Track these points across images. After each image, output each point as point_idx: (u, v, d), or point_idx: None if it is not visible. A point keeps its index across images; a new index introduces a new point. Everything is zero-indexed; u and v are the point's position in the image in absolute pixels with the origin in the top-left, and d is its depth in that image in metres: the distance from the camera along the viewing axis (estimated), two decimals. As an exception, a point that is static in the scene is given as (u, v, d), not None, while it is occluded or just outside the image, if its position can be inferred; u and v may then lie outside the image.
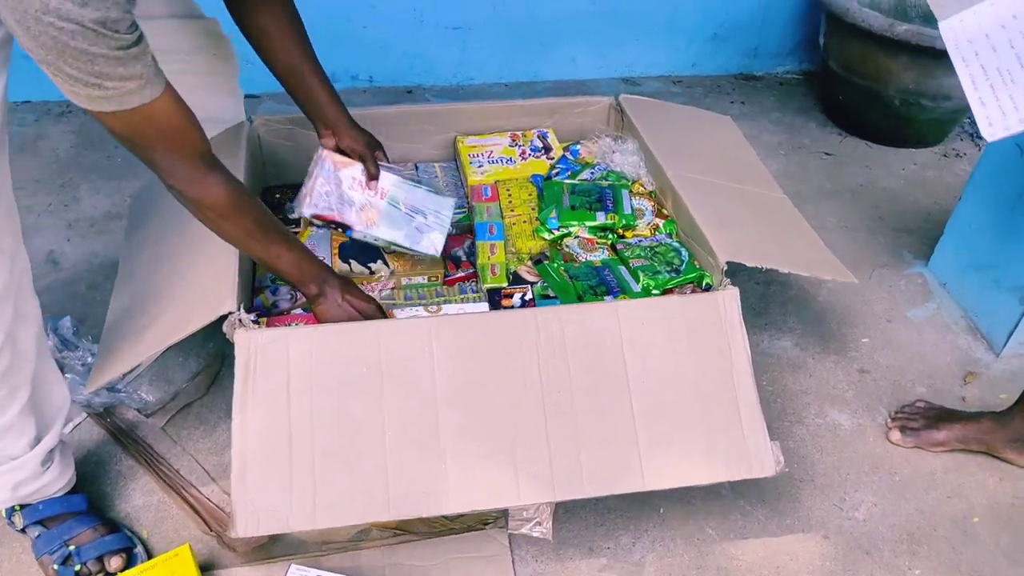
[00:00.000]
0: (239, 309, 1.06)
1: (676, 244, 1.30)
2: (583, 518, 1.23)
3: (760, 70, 2.48)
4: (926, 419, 1.36)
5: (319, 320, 1.14)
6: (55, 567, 1.08)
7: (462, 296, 1.32)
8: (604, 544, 1.20)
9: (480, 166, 1.50)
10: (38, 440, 1.04)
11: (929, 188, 2.04)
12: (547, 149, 1.54)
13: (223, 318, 1.05)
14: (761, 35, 2.40)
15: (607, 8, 2.26)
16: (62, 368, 1.37)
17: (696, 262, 1.26)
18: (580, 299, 1.20)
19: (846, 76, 2.13)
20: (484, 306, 1.24)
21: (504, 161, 1.51)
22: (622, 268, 1.26)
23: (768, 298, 1.63)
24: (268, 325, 1.22)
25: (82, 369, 1.38)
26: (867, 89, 2.10)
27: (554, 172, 1.47)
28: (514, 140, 1.55)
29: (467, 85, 2.35)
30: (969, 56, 0.89)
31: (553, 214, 1.35)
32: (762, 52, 2.44)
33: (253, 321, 1.07)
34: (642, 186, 1.43)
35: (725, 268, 1.16)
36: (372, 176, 1.29)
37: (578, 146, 1.53)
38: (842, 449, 1.36)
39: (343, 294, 1.12)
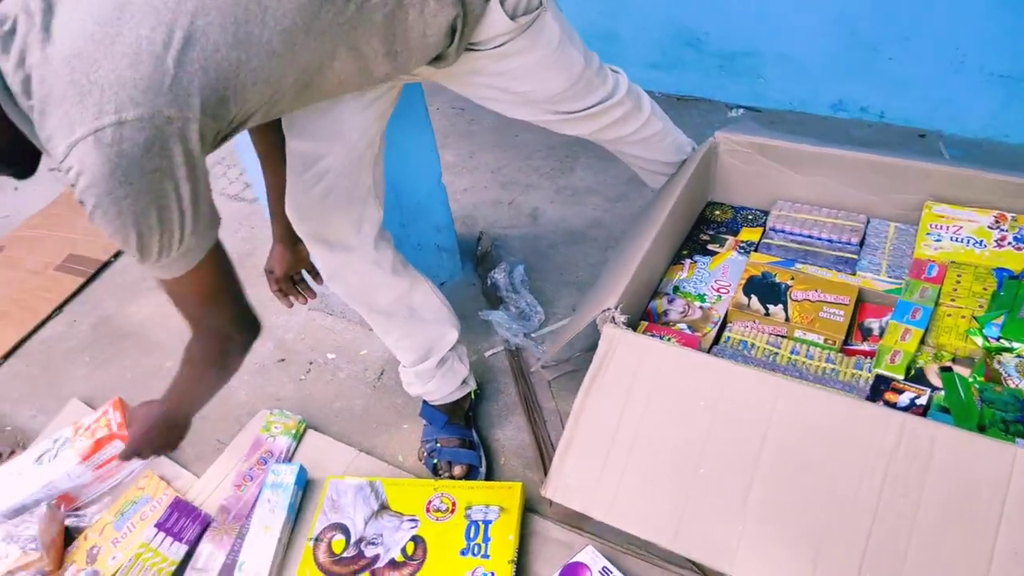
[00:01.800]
0: (617, 308, 1.18)
1: None
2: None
3: None
4: None
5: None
6: (424, 452, 1.41)
7: (855, 371, 1.23)
8: None
9: (938, 240, 1.33)
10: (420, 362, 1.35)
11: None
12: (1036, 243, 1.28)
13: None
14: None
15: None
16: (501, 304, 1.70)
17: None
18: (982, 430, 1.02)
19: None
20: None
21: (972, 243, 1.31)
22: (1060, 413, 1.02)
23: None
24: (648, 330, 1.33)
25: (514, 311, 1.68)
26: None
27: (1029, 272, 1.23)
28: (998, 221, 1.33)
29: (997, 142, 2.03)
30: None
31: (999, 320, 1.15)
32: None
33: (625, 323, 1.18)
34: None
35: None
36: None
37: (1079, 250, 1.24)
38: None
39: None
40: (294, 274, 1.35)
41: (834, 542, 0.96)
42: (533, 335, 1.64)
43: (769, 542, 0.99)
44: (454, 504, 1.28)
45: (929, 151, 2.01)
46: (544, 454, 1.41)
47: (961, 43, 1.95)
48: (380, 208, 1.23)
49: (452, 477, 1.34)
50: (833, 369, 1.24)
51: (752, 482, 1.02)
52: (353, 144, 1.11)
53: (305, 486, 1.39)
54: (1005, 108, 1.99)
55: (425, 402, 1.42)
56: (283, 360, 1.70)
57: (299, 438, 1.48)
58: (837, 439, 1.01)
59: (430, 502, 1.29)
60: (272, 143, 1.15)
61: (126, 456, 1.24)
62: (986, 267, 1.27)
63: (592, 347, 1.58)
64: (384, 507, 1.30)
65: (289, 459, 1.44)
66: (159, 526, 1.29)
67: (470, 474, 1.35)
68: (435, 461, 1.38)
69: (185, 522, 1.31)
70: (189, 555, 1.30)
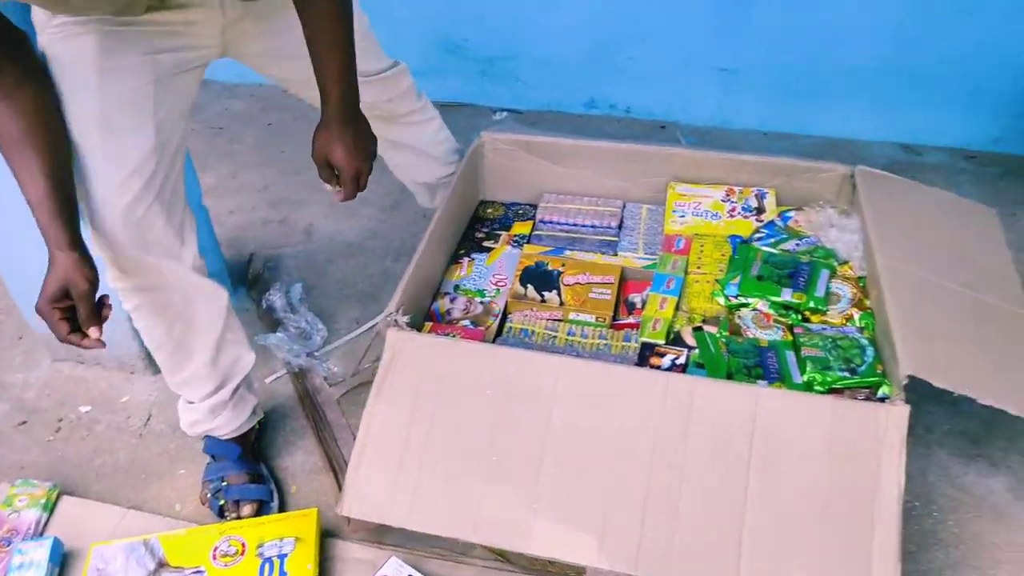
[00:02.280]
0: (398, 311, 1.18)
1: (864, 341, 1.17)
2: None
3: (1094, 157, 2.08)
4: None
5: None
6: (208, 494, 1.30)
7: (624, 344, 1.31)
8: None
9: (682, 216, 1.47)
10: (215, 392, 1.26)
11: None
12: (760, 210, 1.46)
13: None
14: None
15: (898, 66, 2.05)
16: (279, 326, 1.63)
17: (879, 367, 1.12)
18: (730, 377, 1.14)
19: None
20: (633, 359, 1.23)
21: (709, 215, 1.47)
22: (790, 354, 1.17)
23: (995, 426, 1.38)
24: (432, 330, 1.33)
25: (294, 331, 1.61)
26: None
27: (756, 236, 1.40)
28: (728, 195, 1.50)
29: (724, 128, 2.29)
30: None
31: (736, 280, 1.29)
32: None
33: (409, 325, 1.18)
34: (851, 269, 1.30)
35: (906, 383, 1.02)
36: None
37: (792, 213, 1.43)
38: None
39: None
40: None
41: (619, 502, 1.02)
42: (316, 353, 1.58)
43: (562, 514, 1.04)
44: (244, 545, 1.20)
45: (669, 140, 2.23)
46: (338, 474, 1.36)
47: (687, 42, 2.18)
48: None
49: (240, 517, 1.25)
50: (606, 344, 1.32)
51: (542, 460, 1.06)
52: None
53: (62, 561, 1.22)
54: (726, 98, 2.25)
55: (210, 437, 1.32)
56: (24, 423, 1.49)
57: (51, 508, 1.29)
58: (613, 405, 1.08)
59: (216, 548, 1.19)
60: (35, 121, 0.97)
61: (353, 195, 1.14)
62: (722, 235, 1.42)
63: (376, 359, 1.56)
64: (162, 564, 1.18)
65: (40, 534, 1.26)
66: None
67: (261, 510, 1.27)
68: (221, 502, 1.27)
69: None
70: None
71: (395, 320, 1.19)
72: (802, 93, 2.18)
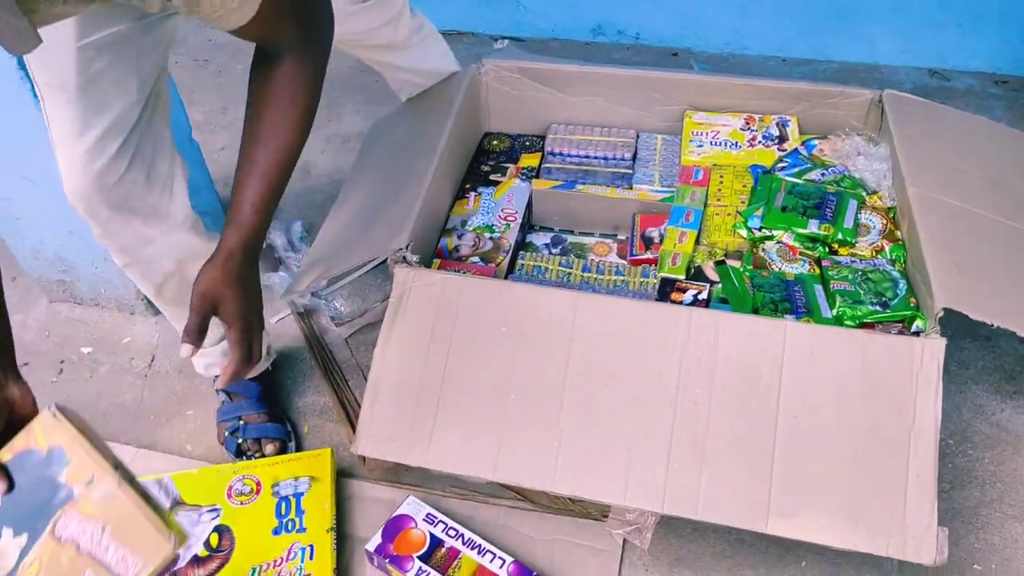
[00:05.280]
0: (407, 248, 1.17)
1: (896, 274, 1.17)
2: (711, 543, 1.19)
3: None
4: None
5: None
6: (226, 433, 1.31)
7: (643, 280, 1.31)
8: (724, 577, 1.16)
9: (700, 146, 1.45)
10: (224, 338, 1.26)
11: None
12: (782, 139, 1.44)
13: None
14: None
15: (925, -15, 2.00)
16: (281, 265, 1.62)
17: (913, 300, 1.12)
18: (755, 312, 1.14)
19: None
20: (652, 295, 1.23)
21: (728, 145, 1.45)
22: (818, 288, 1.17)
23: (1033, 363, 1.40)
24: (441, 267, 1.33)
25: (296, 271, 1.61)
26: None
27: (779, 166, 1.38)
28: (748, 123, 1.48)
29: (740, 55, 2.25)
30: None
31: (759, 211, 1.28)
32: None
33: (418, 261, 1.17)
34: (880, 200, 1.29)
35: (940, 315, 1.02)
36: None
37: (816, 142, 1.42)
38: (1063, 566, 1.15)
39: None
40: None
41: (644, 440, 1.04)
42: (322, 293, 1.58)
43: (585, 453, 1.05)
44: (258, 484, 1.22)
45: (682, 68, 2.19)
46: (350, 414, 1.37)
47: (701, -38, 2.13)
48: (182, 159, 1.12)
49: (263, 456, 1.27)
50: (623, 281, 1.32)
51: (563, 398, 1.07)
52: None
53: (75, 501, 1.24)
54: (743, 21, 2.20)
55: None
56: (26, 364, 1.50)
57: (60, 448, 1.32)
58: (635, 342, 1.08)
59: (231, 487, 1.21)
60: None
61: (241, 365, 0.89)
62: (743, 166, 1.41)
63: (384, 298, 1.56)
64: (178, 503, 1.20)
65: (51, 475, 1.28)
66: None
67: (282, 451, 1.29)
68: (239, 441, 1.29)
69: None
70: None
71: (404, 257, 1.18)
72: (824, 15, 2.13)
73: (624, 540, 1.18)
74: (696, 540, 1.19)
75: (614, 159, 1.53)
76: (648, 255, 1.36)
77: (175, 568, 1.11)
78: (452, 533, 1.15)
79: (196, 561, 1.13)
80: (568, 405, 1.07)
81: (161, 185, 1.08)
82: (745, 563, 1.17)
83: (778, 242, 1.26)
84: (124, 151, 1.01)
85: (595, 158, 1.53)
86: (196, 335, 0.87)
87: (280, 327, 1.55)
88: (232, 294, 0.87)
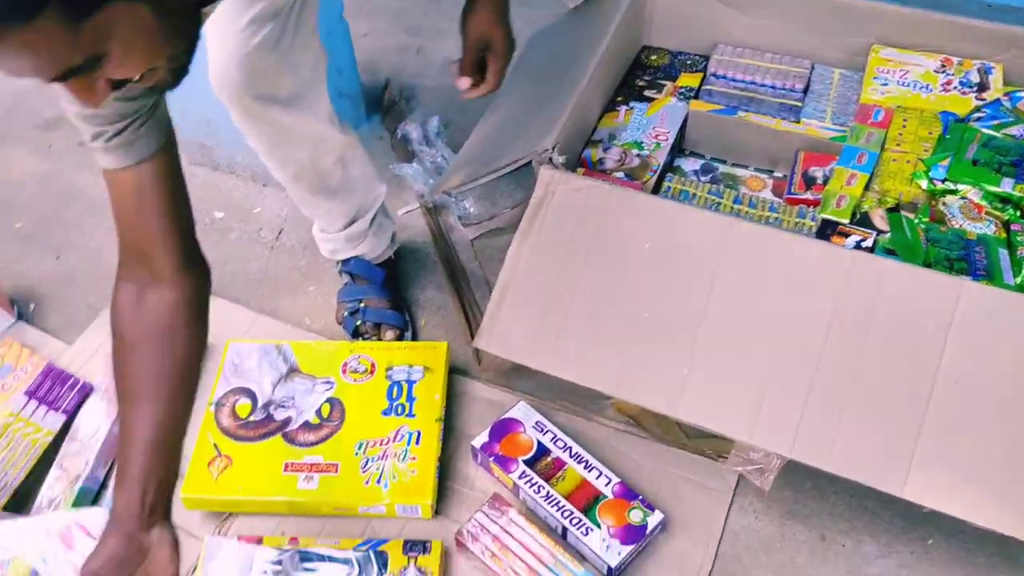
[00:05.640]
0: (554, 149, 1.12)
1: (1098, 248, 1.04)
2: (830, 503, 1.12)
3: None
4: None
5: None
6: (345, 313, 1.32)
7: (799, 220, 1.23)
8: (840, 540, 1.09)
9: (885, 84, 1.33)
10: (350, 224, 1.27)
11: None
12: (982, 87, 1.30)
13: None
14: None
15: None
16: (415, 158, 1.61)
17: (1114, 278, 1.00)
18: (927, 268, 1.04)
19: None
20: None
21: (918, 86, 1.32)
22: (1003, 252, 1.06)
23: None
24: (585, 176, 1.28)
25: (430, 166, 1.59)
26: None
27: (975, 116, 1.25)
28: (944, 66, 1.33)
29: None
30: None
31: (945, 162, 1.16)
32: None
33: (564, 163, 1.13)
34: (1093, 165, 1.15)
35: None
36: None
37: None
38: None
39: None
40: None
41: (781, 381, 0.97)
42: (452, 192, 1.56)
43: (716, 383, 1.00)
44: (373, 365, 1.23)
45: None
46: (468, 315, 1.36)
47: None
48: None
49: (379, 340, 1.28)
50: (776, 218, 1.24)
51: (700, 323, 1.01)
52: None
53: (199, 352, 1.29)
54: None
55: (357, 258, 1.34)
56: (164, 218, 1.56)
57: (190, 301, 1.37)
58: (788, 278, 1.01)
59: (346, 364, 1.23)
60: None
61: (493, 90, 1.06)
62: (932, 111, 1.28)
63: (520, 203, 1.52)
64: (294, 370, 1.22)
65: (179, 323, 1.33)
66: (30, 394, 1.17)
67: (399, 339, 1.30)
68: (358, 323, 1.30)
69: (60, 390, 1.20)
70: (67, 426, 1.19)
71: (550, 158, 1.14)
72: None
73: (736, 483, 1.13)
74: (814, 497, 1.13)
75: (783, 89, 1.42)
76: (808, 195, 1.27)
77: (288, 430, 1.14)
78: (560, 444, 1.14)
79: (307, 427, 1.16)
80: (705, 332, 1.01)
81: (304, 76, 1.08)
82: (864, 530, 1.10)
83: (962, 197, 1.14)
84: (270, 38, 1.00)
85: (762, 86, 1.43)
86: (473, 70, 1.03)
87: (407, 219, 1.54)
88: (502, 30, 1.00)
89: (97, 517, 1.02)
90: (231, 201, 1.59)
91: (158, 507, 0.80)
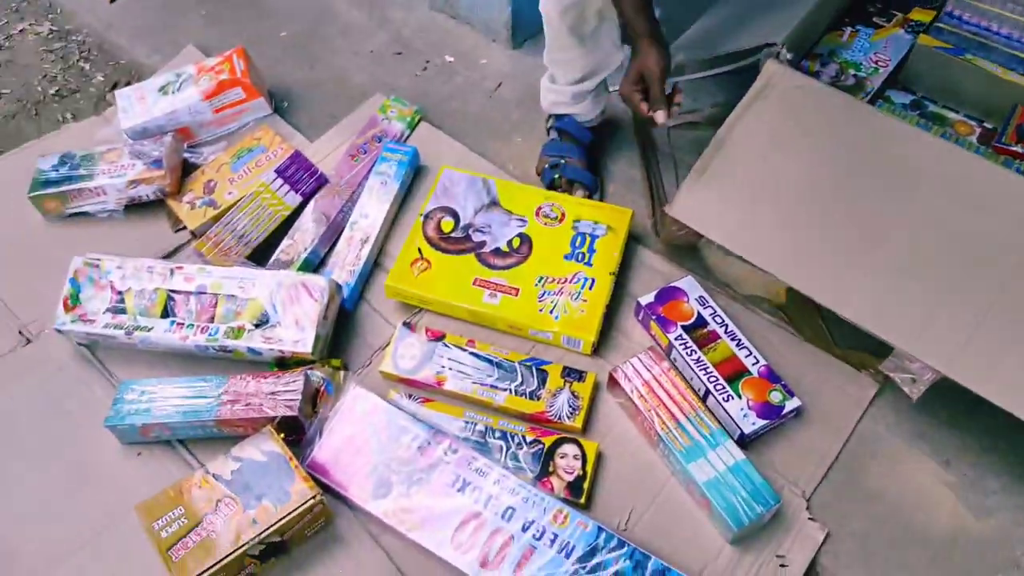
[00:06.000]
0: (782, 46, 1.18)
1: None
2: (960, 436, 1.17)
3: None
4: None
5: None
6: (546, 166, 1.46)
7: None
8: (963, 470, 1.15)
9: None
10: (581, 80, 1.37)
11: None
12: None
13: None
14: None
15: None
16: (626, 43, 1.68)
17: None
18: None
19: None
20: None
21: None
22: None
23: None
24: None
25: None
26: None
27: None
28: None
29: None
30: None
31: None
32: None
33: (791, 61, 1.18)
34: None
35: None
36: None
37: None
38: None
39: None
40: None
41: (957, 301, 1.03)
42: (669, 80, 1.63)
43: (889, 290, 1.06)
44: (563, 214, 1.35)
45: None
46: (654, 193, 1.46)
47: None
48: None
49: (570, 195, 1.41)
50: (980, 163, 1.26)
51: (890, 230, 1.07)
52: None
53: (416, 170, 1.46)
54: None
55: (568, 117, 1.46)
56: (400, 54, 1.73)
57: (413, 127, 1.54)
58: (988, 208, 1.05)
59: (540, 208, 1.36)
60: None
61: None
62: None
63: (720, 104, 1.59)
64: (495, 203, 1.37)
65: (403, 142, 1.51)
66: (279, 172, 1.38)
67: (588, 199, 1.41)
68: (555, 176, 1.43)
69: (303, 175, 1.40)
70: (301, 207, 1.40)
71: (778, 53, 1.20)
72: None
73: (874, 396, 1.20)
74: (948, 426, 1.18)
75: (1020, 41, 1.40)
76: (1017, 148, 1.28)
77: (481, 251, 1.29)
78: (718, 320, 1.23)
79: (498, 252, 1.31)
80: (892, 240, 1.07)
81: None
82: (989, 467, 1.14)
83: None
84: None
85: (998, 34, 1.41)
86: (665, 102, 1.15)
87: (613, 96, 1.63)
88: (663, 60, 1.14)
89: (319, 281, 1.22)
90: (462, 49, 1.74)
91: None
